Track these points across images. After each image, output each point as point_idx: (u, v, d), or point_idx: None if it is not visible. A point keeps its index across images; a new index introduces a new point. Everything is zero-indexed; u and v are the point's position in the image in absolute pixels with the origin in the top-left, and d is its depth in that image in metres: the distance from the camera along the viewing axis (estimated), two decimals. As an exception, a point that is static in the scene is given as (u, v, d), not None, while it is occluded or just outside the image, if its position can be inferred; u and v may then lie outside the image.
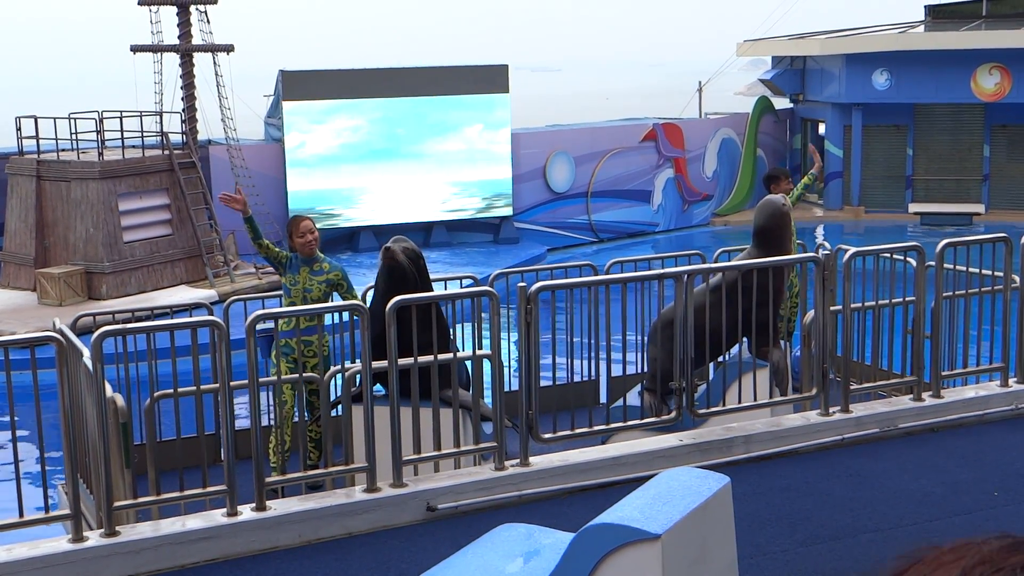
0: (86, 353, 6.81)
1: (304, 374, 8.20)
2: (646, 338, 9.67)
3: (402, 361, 7.29)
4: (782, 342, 9.14)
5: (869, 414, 8.62)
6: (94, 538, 6.52)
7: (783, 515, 7.15)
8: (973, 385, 9.47)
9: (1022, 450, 8.36)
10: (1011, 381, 9.21)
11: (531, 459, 7.62)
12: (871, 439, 8.50)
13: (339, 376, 7.94)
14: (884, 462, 8.07)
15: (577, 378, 10.17)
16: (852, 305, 8.78)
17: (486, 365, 7.83)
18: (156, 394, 7.78)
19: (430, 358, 7.57)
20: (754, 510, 7.14)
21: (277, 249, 8.91)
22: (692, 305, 8.22)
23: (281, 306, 8.56)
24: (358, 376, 7.61)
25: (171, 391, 7.40)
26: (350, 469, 7.42)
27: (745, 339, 8.99)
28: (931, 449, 8.36)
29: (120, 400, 7.22)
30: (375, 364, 7.29)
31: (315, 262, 8.97)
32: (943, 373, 9.09)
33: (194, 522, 6.80)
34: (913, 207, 34.23)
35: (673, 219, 33.70)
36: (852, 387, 8.76)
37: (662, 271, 8.46)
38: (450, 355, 7.85)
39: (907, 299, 9.19)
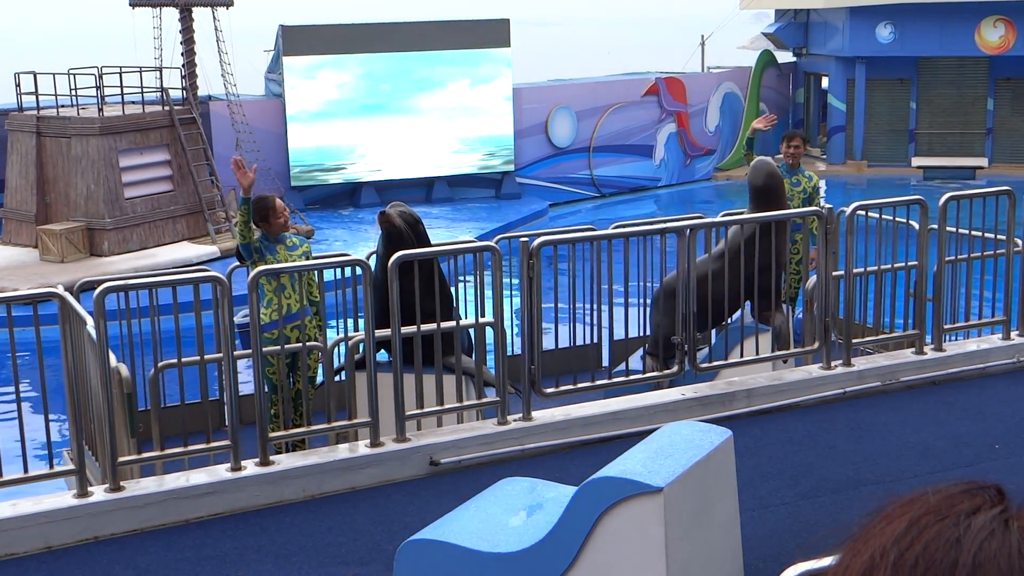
0: (89, 321, 6.82)
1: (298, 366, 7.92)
2: (648, 301, 9.67)
3: (405, 329, 7.29)
4: (784, 306, 9.15)
5: (871, 367, 8.64)
6: (99, 493, 6.55)
7: (785, 468, 7.18)
8: (975, 338, 9.48)
9: (1023, 403, 8.38)
10: (1013, 334, 9.22)
11: (533, 414, 7.64)
12: (873, 392, 8.52)
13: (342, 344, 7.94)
14: (886, 415, 8.09)
15: (580, 342, 10.15)
16: (855, 270, 8.77)
17: (489, 331, 7.83)
18: (160, 364, 7.79)
19: (433, 326, 7.55)
20: (756, 463, 7.17)
21: (256, 236, 8.32)
22: (695, 264, 8.22)
23: (264, 296, 7.87)
24: (361, 345, 7.60)
25: (175, 360, 7.41)
26: (353, 424, 7.45)
27: (747, 304, 9.00)
28: (932, 402, 8.38)
29: (124, 370, 7.24)
30: (379, 332, 7.29)
31: (286, 239, 8.41)
32: (945, 327, 9.10)
33: (198, 477, 6.84)
34: (916, 161, 34.12)
35: (675, 174, 33.61)
36: (854, 341, 8.76)
37: (664, 225, 8.45)
38: (453, 323, 7.83)
39: (909, 263, 9.11)
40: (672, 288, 8.37)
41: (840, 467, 7.18)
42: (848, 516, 6.46)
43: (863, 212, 9.01)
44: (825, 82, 35.50)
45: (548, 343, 8.57)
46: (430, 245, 8.51)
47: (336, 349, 8.21)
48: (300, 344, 7.84)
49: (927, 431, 7.78)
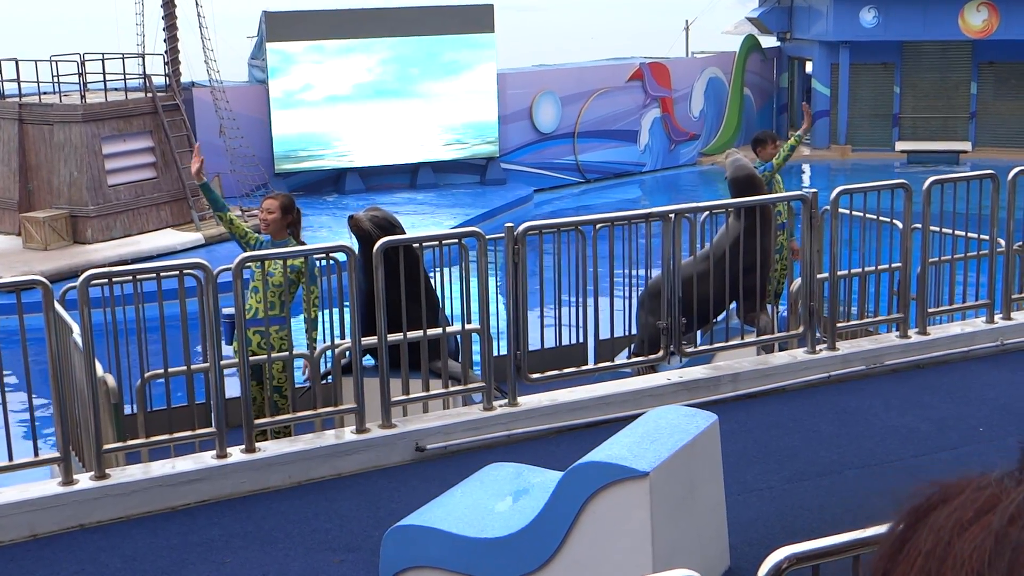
0: (75, 329, 6.80)
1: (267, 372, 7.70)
2: (635, 293, 9.69)
3: (391, 336, 7.26)
4: (769, 306, 9.18)
5: (855, 351, 8.67)
6: (84, 481, 6.54)
7: (770, 452, 7.20)
8: (959, 322, 9.51)
9: (1007, 386, 8.42)
10: (996, 317, 9.25)
11: (519, 399, 7.65)
12: (857, 376, 8.55)
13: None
14: (870, 399, 8.13)
15: (565, 342, 10.12)
16: (840, 272, 8.77)
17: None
18: (147, 375, 7.77)
19: (419, 332, 7.51)
20: (741, 447, 7.20)
21: (244, 225, 8.11)
22: (679, 260, 8.23)
23: (247, 299, 7.62)
24: (347, 352, 7.58)
25: (162, 371, 7.39)
26: (339, 410, 7.44)
27: (733, 304, 9.04)
28: (917, 385, 8.41)
29: (111, 380, 7.24)
30: (365, 341, 7.27)
31: (284, 245, 8.04)
32: (929, 310, 9.13)
33: (184, 464, 6.83)
34: (900, 145, 34.17)
35: (660, 159, 33.61)
36: (838, 325, 8.79)
37: (649, 210, 8.45)
38: (439, 329, 7.78)
39: (894, 265, 9.10)
40: (658, 289, 8.39)
41: (825, 451, 7.21)
42: (833, 500, 6.49)
43: (847, 196, 9.02)
44: (809, 67, 35.52)
45: (533, 343, 8.51)
46: (409, 251, 7.97)
47: (323, 356, 8.20)
48: (287, 353, 7.73)
49: (912, 414, 7.81)
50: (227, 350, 8.17)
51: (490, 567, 5.10)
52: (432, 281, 8.56)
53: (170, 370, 7.36)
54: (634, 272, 9.65)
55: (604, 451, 5.05)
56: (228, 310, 8.13)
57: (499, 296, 10.70)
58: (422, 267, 8.12)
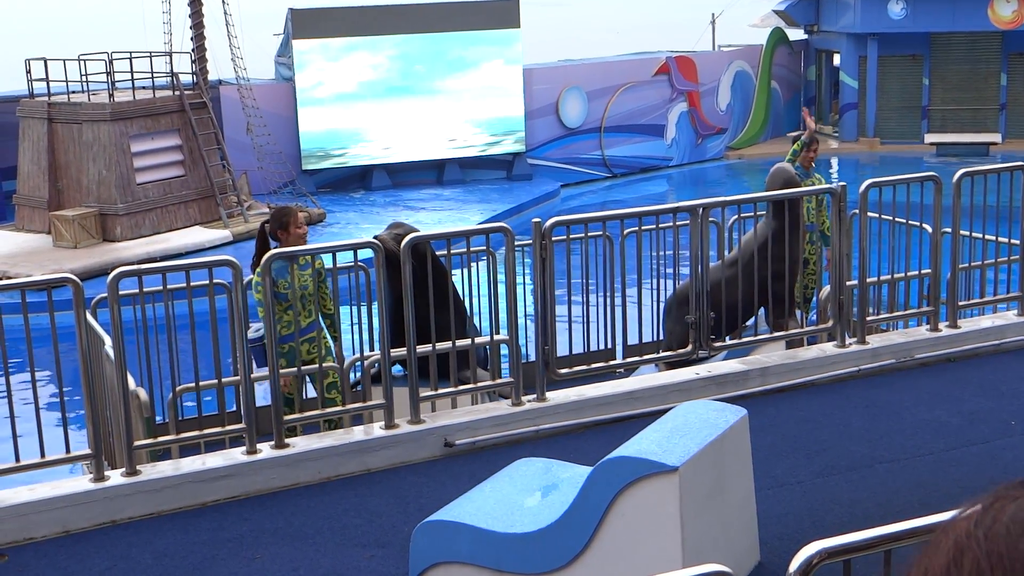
0: (107, 341, 6.85)
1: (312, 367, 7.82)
2: (663, 293, 9.67)
3: (420, 348, 7.30)
4: (798, 313, 9.15)
5: (885, 345, 8.62)
6: (115, 477, 6.58)
7: (800, 446, 7.18)
8: (990, 315, 9.45)
9: (1039, 379, 8.36)
10: (1028, 311, 9.18)
11: (548, 394, 7.65)
12: (887, 370, 8.50)
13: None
14: (900, 393, 8.08)
15: (593, 348, 10.11)
16: (869, 280, 8.75)
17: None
18: (179, 388, 7.86)
19: (448, 344, 7.51)
20: (771, 442, 7.17)
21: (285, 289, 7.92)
22: (707, 253, 8.20)
23: (276, 322, 7.30)
24: (376, 363, 7.63)
25: (192, 384, 7.51)
26: (368, 406, 7.47)
27: (761, 310, 9.01)
28: (947, 379, 8.36)
29: (143, 395, 7.33)
30: (394, 352, 7.31)
31: (297, 256, 7.80)
32: (959, 303, 9.07)
33: (214, 460, 6.86)
34: (929, 138, 33.98)
35: (687, 153, 33.53)
36: (868, 318, 8.75)
37: (677, 204, 8.43)
38: (468, 340, 7.79)
39: (923, 272, 9.07)
40: (685, 296, 8.36)
41: (855, 445, 7.18)
42: (863, 494, 6.46)
43: (876, 188, 8.97)
44: (837, 59, 35.36)
45: (561, 349, 8.49)
46: (437, 263, 8.02)
47: (352, 369, 8.27)
48: (315, 366, 7.78)
49: (942, 408, 7.77)
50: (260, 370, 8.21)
51: (519, 562, 5.11)
52: (459, 289, 8.57)
53: (202, 383, 7.47)
54: (663, 269, 9.63)
55: (633, 446, 5.05)
56: (254, 331, 8.16)
57: (527, 297, 10.67)
58: (451, 281, 8.08)
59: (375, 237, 8.21)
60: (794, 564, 3.32)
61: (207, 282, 7.53)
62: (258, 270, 7.44)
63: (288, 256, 7.42)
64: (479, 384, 7.69)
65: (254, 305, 7.44)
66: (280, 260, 7.43)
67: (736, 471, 5.43)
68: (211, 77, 27.11)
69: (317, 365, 7.67)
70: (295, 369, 7.54)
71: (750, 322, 9.15)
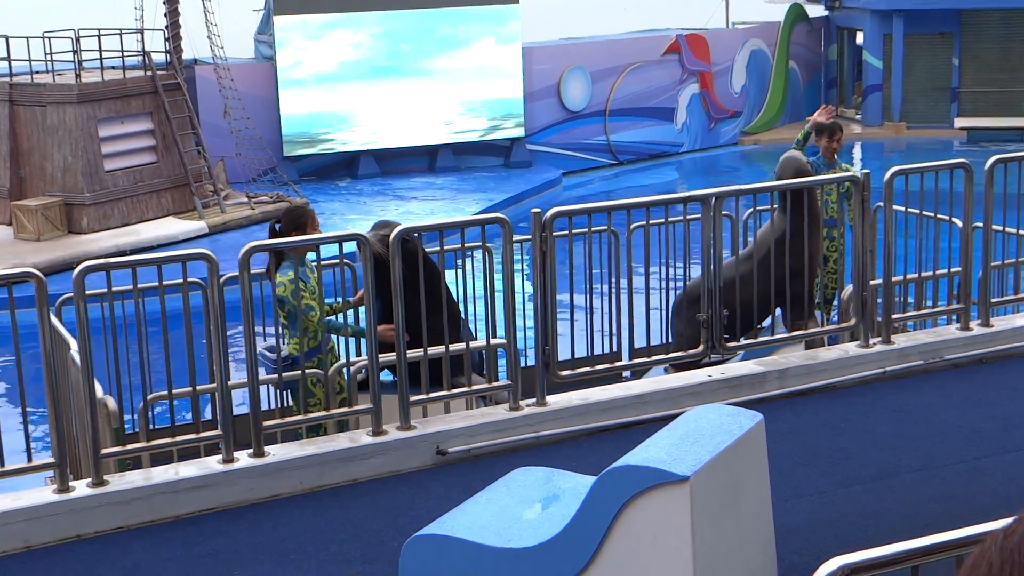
0: (73, 345, 6.84)
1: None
2: (672, 289, 9.67)
3: (411, 352, 7.30)
4: (819, 314, 9.14)
5: (912, 345, 8.61)
6: (81, 488, 6.57)
7: (820, 454, 7.17)
8: (1025, 313, 9.46)
9: (1078, 382, 8.36)
10: (1066, 308, 9.19)
11: (548, 398, 7.64)
12: (915, 372, 8.50)
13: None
14: (929, 396, 8.08)
15: (597, 351, 10.10)
16: (895, 277, 8.73)
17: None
18: (150, 397, 7.87)
19: (441, 349, 7.50)
20: (789, 449, 7.17)
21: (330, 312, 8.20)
22: (719, 247, 8.20)
23: (303, 335, 7.72)
24: (363, 369, 7.62)
25: (165, 393, 7.49)
26: (354, 411, 7.45)
27: (778, 311, 9.00)
28: (979, 382, 8.36)
29: (112, 403, 7.33)
30: (383, 357, 7.29)
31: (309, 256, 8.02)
32: (992, 300, 9.06)
33: (188, 470, 6.85)
34: (959, 122, 33.99)
35: (698, 138, 33.54)
36: (894, 316, 8.74)
37: (688, 194, 8.43)
38: (463, 345, 7.78)
39: (953, 270, 9.07)
40: (696, 295, 8.35)
41: (880, 452, 7.17)
42: (889, 505, 6.46)
43: (902, 176, 8.97)
44: (860, 37, 35.36)
45: (562, 352, 8.48)
46: (428, 263, 8.08)
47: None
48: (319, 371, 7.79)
49: (974, 413, 7.76)
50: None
51: (517, 580, 5.10)
52: (453, 291, 8.56)
53: (175, 392, 7.45)
54: (673, 263, 9.61)
55: (640, 454, 5.04)
56: (264, 348, 8.21)
57: (526, 294, 10.65)
58: (443, 283, 8.06)
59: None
60: (814, 582, 3.31)
61: (180, 280, 7.51)
62: (289, 274, 7.57)
63: (301, 254, 7.66)
64: (474, 388, 7.68)
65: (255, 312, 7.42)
66: (289, 262, 7.67)
67: (751, 481, 5.42)
68: (186, 56, 27.08)
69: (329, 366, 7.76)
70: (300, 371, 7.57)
71: (766, 323, 9.14)
